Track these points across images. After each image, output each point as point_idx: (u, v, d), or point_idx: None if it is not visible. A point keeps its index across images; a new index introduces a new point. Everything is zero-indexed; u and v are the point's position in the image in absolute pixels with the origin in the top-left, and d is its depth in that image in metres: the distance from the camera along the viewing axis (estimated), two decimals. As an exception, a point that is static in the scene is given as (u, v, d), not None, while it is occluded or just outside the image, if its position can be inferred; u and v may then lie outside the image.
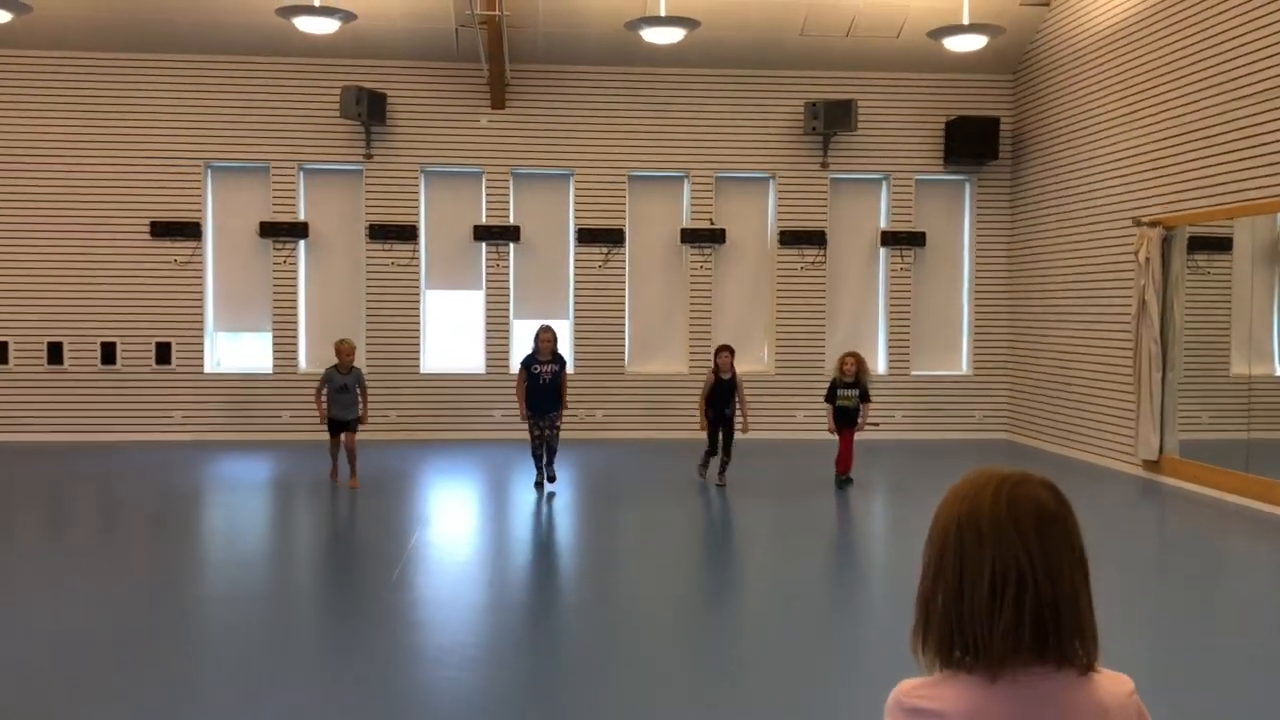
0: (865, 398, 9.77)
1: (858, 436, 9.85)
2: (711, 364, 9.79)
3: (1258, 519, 8.36)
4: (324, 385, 9.26)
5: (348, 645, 5.26)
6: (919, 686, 1.45)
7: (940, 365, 13.26)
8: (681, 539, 8.11)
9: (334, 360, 9.38)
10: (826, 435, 10.01)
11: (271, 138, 12.28)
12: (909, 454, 11.71)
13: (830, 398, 9.88)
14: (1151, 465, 10.07)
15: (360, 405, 9.32)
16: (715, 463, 9.61)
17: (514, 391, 9.61)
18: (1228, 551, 7.82)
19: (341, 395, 9.19)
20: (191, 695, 4.61)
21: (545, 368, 9.09)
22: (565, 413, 9.44)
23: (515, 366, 9.08)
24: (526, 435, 9.46)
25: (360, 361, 12.40)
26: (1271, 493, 8.56)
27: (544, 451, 9.18)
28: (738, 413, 9.60)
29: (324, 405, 9.23)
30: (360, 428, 9.39)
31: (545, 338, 9.16)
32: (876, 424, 10.12)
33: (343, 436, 9.23)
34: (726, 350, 9.73)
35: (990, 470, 1.47)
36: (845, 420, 9.78)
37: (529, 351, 9.31)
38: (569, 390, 9.49)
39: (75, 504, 9.31)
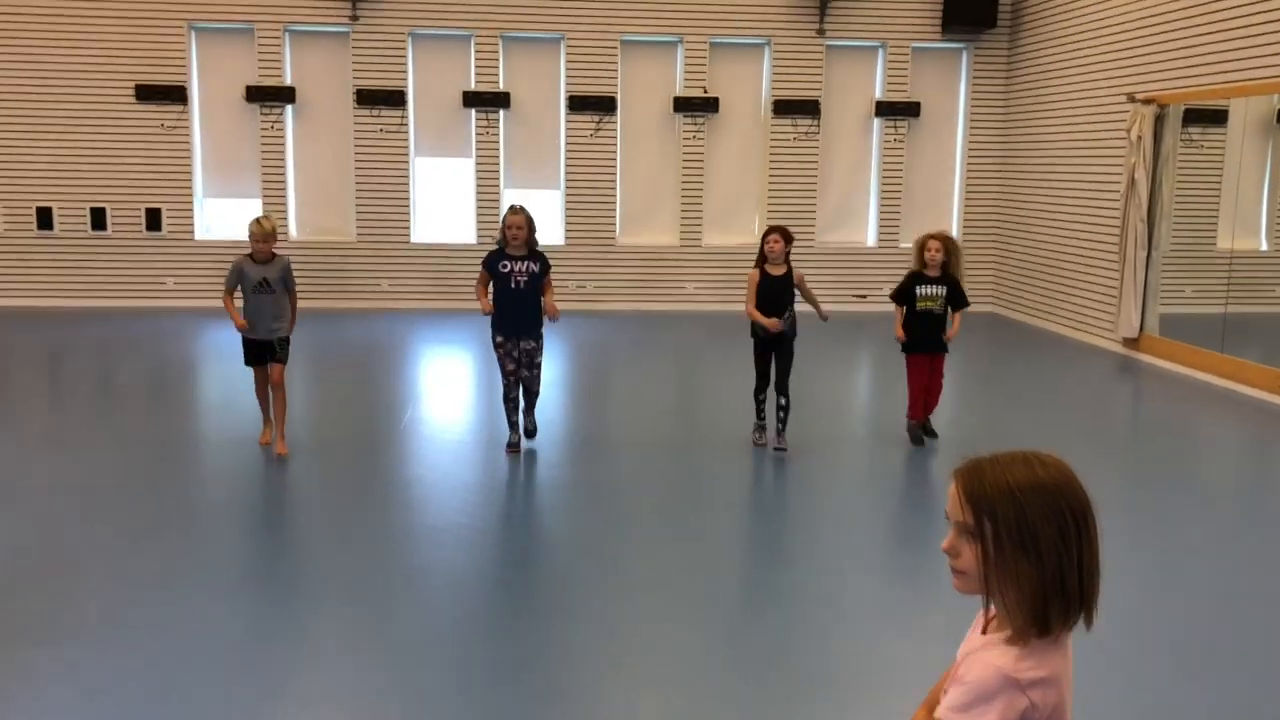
0: (959, 301, 6.81)
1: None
2: (756, 254, 6.81)
3: (1228, 398, 8.59)
4: (234, 283, 6.42)
5: (344, 528, 5.48)
6: (1021, 660, 1.58)
7: (930, 238, 13.28)
8: (679, 411, 8.32)
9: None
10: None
11: (255, -2, 11.99)
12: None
13: (901, 297, 6.84)
14: (1131, 343, 10.26)
15: (288, 313, 6.54)
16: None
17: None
18: (1195, 430, 8.06)
19: (260, 296, 6.39)
20: (182, 576, 4.83)
21: (517, 266, 6.36)
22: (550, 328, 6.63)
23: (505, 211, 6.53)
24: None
25: (349, 232, 12.50)
26: (1242, 372, 8.78)
27: (518, 394, 6.61)
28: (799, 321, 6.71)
29: (236, 314, 6.43)
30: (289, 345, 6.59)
31: (514, 223, 6.32)
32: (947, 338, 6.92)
33: (270, 368, 6.45)
34: (777, 234, 6.66)
35: (1047, 455, 1.64)
36: (925, 334, 6.78)
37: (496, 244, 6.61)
38: (555, 297, 6.53)
39: (72, 374, 9.46)
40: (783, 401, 6.69)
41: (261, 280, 6.39)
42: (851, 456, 6.81)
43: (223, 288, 6.54)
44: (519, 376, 6.54)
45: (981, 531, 1.58)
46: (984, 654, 1.62)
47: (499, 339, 6.48)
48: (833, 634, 4.23)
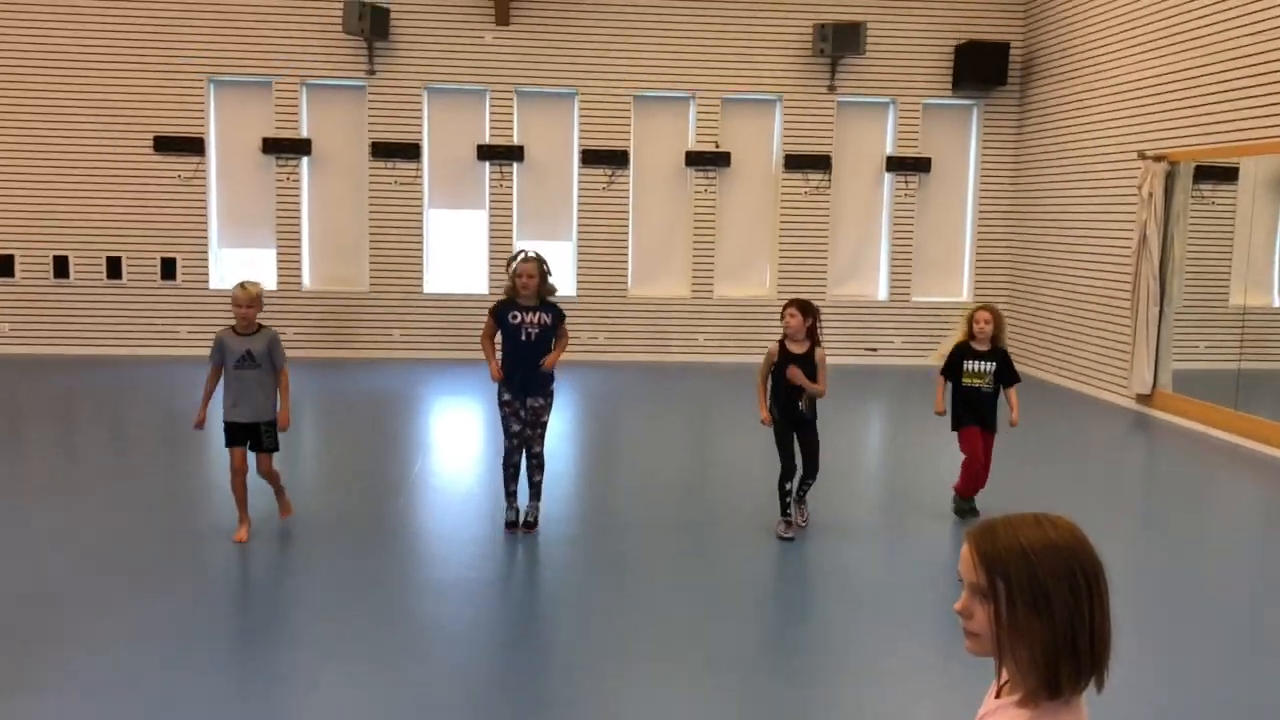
0: (1010, 377, 6.40)
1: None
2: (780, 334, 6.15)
3: (1243, 456, 8.52)
4: (217, 359, 5.69)
5: (359, 574, 5.44)
6: None
7: (941, 292, 13.32)
8: (690, 459, 8.28)
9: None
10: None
11: (274, 52, 12.17)
12: (911, 378, 11.85)
13: (948, 370, 6.47)
14: (1144, 399, 10.20)
15: (278, 396, 5.76)
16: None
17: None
18: (1209, 487, 7.98)
19: (243, 372, 5.63)
20: (187, 627, 4.80)
21: (528, 318, 5.90)
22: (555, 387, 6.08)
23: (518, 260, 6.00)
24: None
25: (362, 282, 12.59)
26: (1258, 430, 8.71)
27: (521, 458, 6.03)
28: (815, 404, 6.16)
29: (209, 391, 5.78)
30: (281, 434, 5.84)
31: (525, 271, 5.84)
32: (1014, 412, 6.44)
33: (255, 459, 5.74)
34: (795, 308, 6.04)
35: (1057, 517, 1.63)
36: (970, 411, 6.38)
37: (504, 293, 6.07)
38: (565, 349, 6.07)
39: (84, 422, 9.48)
40: (810, 482, 6.20)
41: (245, 354, 5.64)
42: (883, 531, 6.43)
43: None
44: (523, 439, 5.97)
45: (994, 591, 1.58)
46: (996, 717, 1.61)
47: (506, 397, 5.95)
48: None
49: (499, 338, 6.03)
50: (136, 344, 12.29)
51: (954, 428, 6.45)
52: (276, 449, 5.81)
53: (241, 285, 5.71)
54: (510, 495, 6.08)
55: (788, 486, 6.12)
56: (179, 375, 11.11)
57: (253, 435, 5.74)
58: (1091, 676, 1.58)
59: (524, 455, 6.05)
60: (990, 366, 6.34)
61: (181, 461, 7.79)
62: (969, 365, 6.37)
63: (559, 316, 5.99)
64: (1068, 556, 1.57)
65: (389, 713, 3.91)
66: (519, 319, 5.91)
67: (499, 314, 5.98)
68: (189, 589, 5.14)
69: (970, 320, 6.42)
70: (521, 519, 6.08)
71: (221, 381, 5.73)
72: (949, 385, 6.45)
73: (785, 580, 5.63)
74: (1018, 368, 6.62)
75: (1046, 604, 1.55)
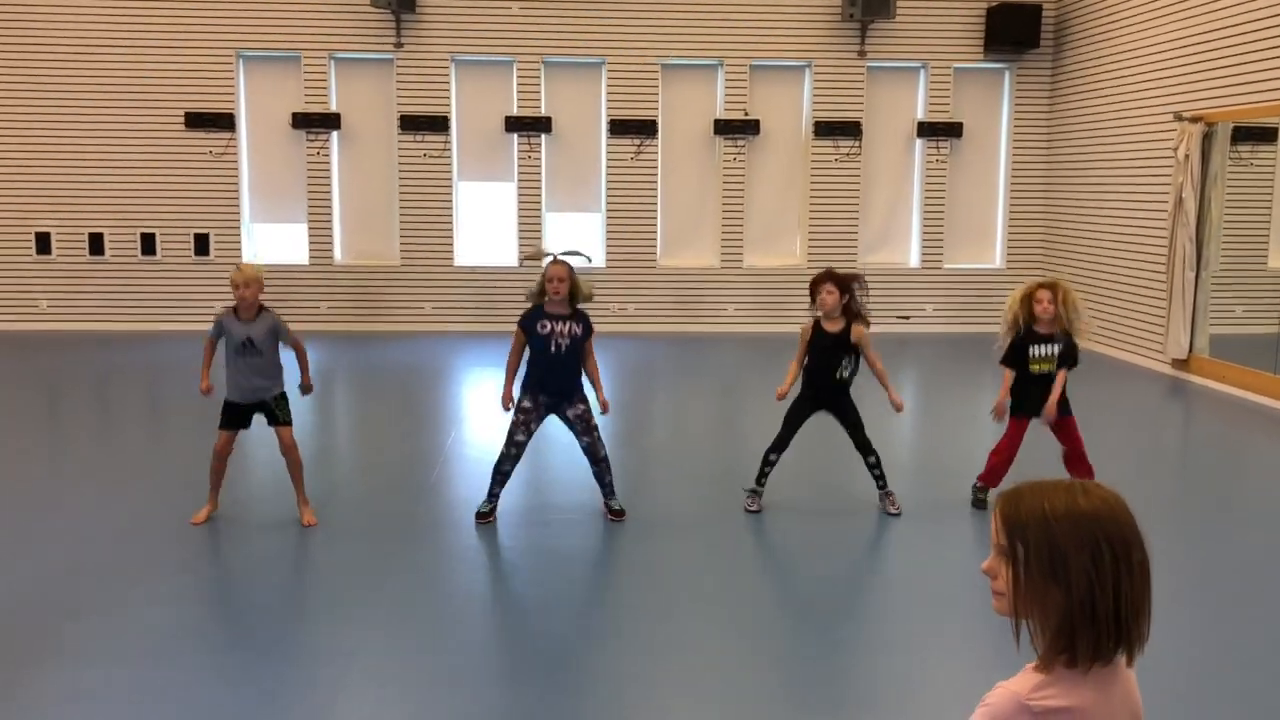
0: (1070, 360, 5.85)
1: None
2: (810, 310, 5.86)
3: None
4: (215, 334, 5.65)
5: (386, 552, 5.51)
6: (1039, 688, 1.58)
7: (973, 258, 13.21)
8: (716, 430, 8.29)
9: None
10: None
11: (302, 26, 12.20)
12: (943, 346, 11.78)
13: (1012, 360, 5.88)
14: (1180, 364, 10.10)
15: (279, 372, 5.70)
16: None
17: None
18: (1248, 451, 7.90)
19: (242, 359, 5.56)
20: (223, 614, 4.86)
21: (559, 328, 5.60)
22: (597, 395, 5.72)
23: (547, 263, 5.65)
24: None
25: (393, 256, 12.65)
26: (1298, 394, 8.61)
27: (512, 469, 5.75)
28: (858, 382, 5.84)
29: (208, 359, 5.75)
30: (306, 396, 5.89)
31: (556, 274, 5.54)
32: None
33: (276, 432, 5.69)
34: (831, 283, 5.68)
35: (1055, 483, 1.63)
36: (1032, 399, 5.83)
37: (534, 302, 5.75)
38: (598, 368, 5.78)
39: (119, 397, 9.61)
40: (872, 460, 5.85)
41: (245, 341, 5.50)
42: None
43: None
44: (522, 451, 5.68)
45: (1014, 555, 1.60)
46: (1013, 679, 1.63)
47: (526, 404, 5.62)
48: None
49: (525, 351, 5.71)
50: (171, 319, 12.43)
51: (1011, 413, 5.92)
52: (291, 421, 5.72)
53: (238, 266, 5.64)
54: (492, 495, 5.78)
55: (773, 458, 5.90)
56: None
57: (264, 412, 5.66)
58: (1119, 649, 1.58)
59: (590, 461, 5.79)
60: (1056, 350, 5.77)
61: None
62: (1035, 350, 5.77)
63: (588, 328, 5.67)
64: (1092, 525, 1.56)
65: (425, 681, 3.96)
66: (548, 328, 5.58)
67: (527, 324, 5.64)
68: (222, 562, 5.22)
69: (1030, 297, 5.75)
70: (608, 510, 5.87)
71: (224, 362, 5.63)
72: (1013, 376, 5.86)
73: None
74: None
75: (1064, 571, 1.55)
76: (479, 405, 9.30)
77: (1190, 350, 9.95)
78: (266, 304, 5.69)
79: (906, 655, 4.24)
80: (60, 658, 4.07)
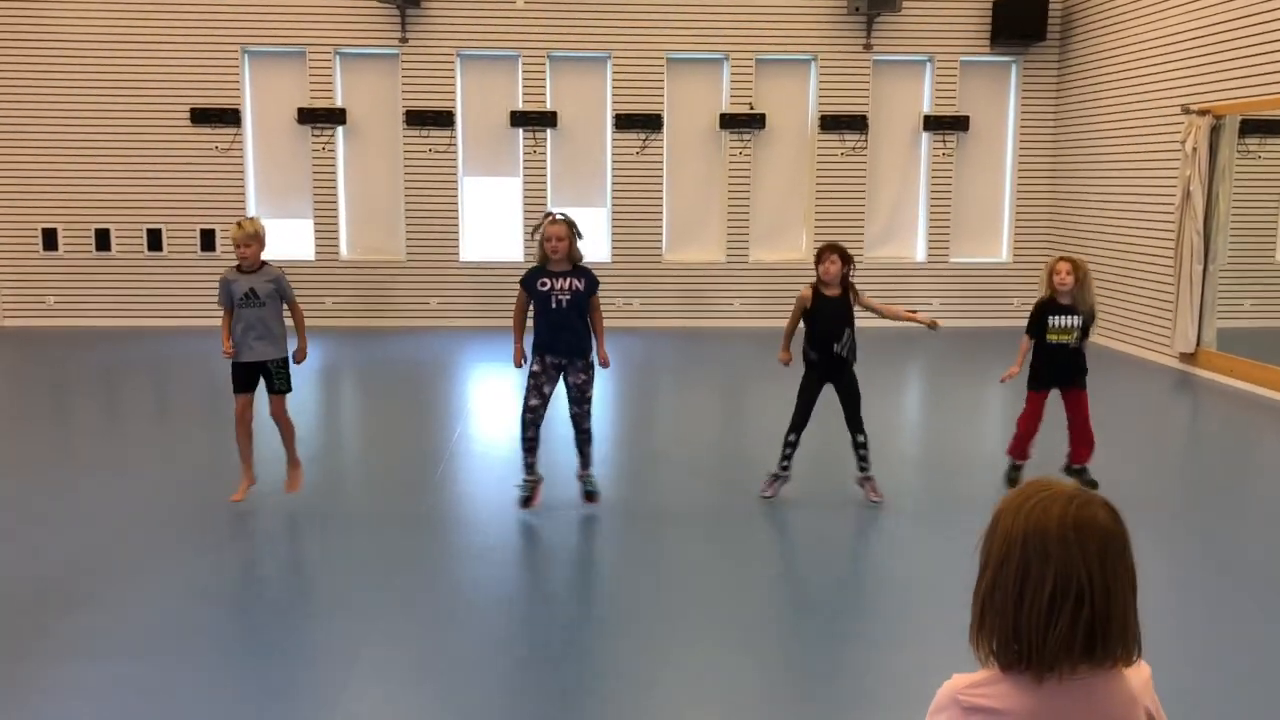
0: (1088, 331, 6.14)
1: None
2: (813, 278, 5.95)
3: (1291, 414, 8.40)
4: (225, 299, 5.58)
5: (393, 544, 5.51)
6: (976, 684, 1.56)
7: (980, 253, 13.18)
8: (723, 427, 8.28)
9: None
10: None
11: (307, 21, 12.20)
12: (949, 340, 11.75)
13: (1032, 328, 6.15)
14: (1188, 358, 10.07)
15: (280, 333, 5.64)
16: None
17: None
18: (1256, 446, 7.88)
19: (246, 310, 5.49)
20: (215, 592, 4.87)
21: (559, 284, 5.56)
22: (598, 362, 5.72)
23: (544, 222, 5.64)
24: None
25: (398, 251, 12.65)
26: (1307, 388, 8.58)
27: (537, 433, 5.73)
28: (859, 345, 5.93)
29: (229, 338, 5.62)
30: (298, 363, 5.75)
31: (553, 234, 5.51)
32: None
33: (270, 400, 5.66)
34: (835, 255, 5.81)
35: (1054, 487, 1.56)
36: (1056, 369, 6.11)
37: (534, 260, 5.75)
38: (603, 322, 5.78)
39: (126, 392, 9.63)
40: (860, 439, 5.89)
41: (248, 291, 5.46)
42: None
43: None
44: (537, 416, 5.66)
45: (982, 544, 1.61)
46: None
47: (535, 368, 5.64)
48: None
49: (530, 311, 5.72)
50: (178, 315, 12.44)
51: (1029, 386, 6.15)
52: (288, 389, 5.69)
53: (238, 223, 5.58)
54: (529, 467, 5.80)
55: (792, 438, 5.93)
56: (220, 346, 11.24)
57: (263, 375, 5.64)
58: (1024, 665, 1.51)
59: (574, 428, 5.82)
60: (1076, 321, 6.02)
61: (223, 431, 7.89)
62: (1053, 321, 6.05)
63: (592, 283, 5.62)
64: (1022, 521, 1.52)
65: (430, 677, 3.97)
66: (548, 285, 5.56)
67: (528, 282, 5.63)
68: (232, 555, 5.23)
69: (1051, 270, 6.08)
70: (582, 491, 5.90)
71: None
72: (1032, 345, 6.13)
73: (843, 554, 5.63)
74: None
75: (986, 554, 1.56)
76: (484, 400, 9.31)
77: (1198, 344, 9.92)
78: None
79: (909, 652, 4.23)
80: (65, 651, 4.08)
